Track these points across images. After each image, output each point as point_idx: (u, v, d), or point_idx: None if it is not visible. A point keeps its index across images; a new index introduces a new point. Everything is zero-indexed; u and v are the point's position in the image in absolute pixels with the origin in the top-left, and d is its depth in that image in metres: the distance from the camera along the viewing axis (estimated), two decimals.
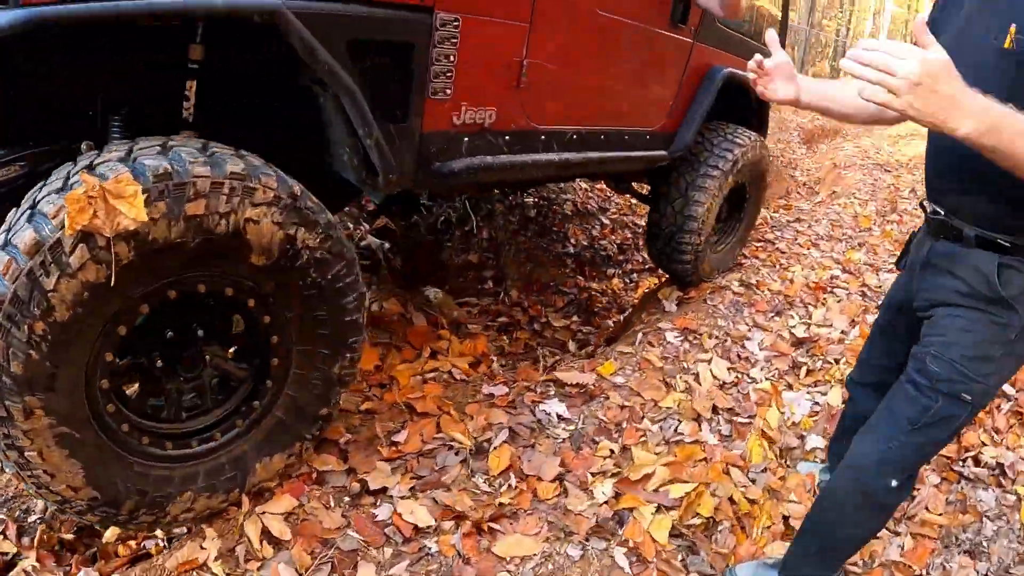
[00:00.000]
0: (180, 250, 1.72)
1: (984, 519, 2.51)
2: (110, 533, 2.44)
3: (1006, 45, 1.42)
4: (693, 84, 3.62)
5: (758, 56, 1.82)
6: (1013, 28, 1.41)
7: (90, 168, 1.65)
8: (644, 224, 4.84)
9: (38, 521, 2.48)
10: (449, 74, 2.30)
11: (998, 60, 1.44)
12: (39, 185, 1.73)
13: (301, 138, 2.38)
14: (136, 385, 2.02)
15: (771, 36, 1.85)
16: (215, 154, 1.77)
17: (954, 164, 1.61)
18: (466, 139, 2.48)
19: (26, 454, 1.68)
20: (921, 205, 1.83)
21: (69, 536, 2.47)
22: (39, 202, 1.64)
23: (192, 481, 2.05)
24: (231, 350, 2.14)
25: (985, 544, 2.42)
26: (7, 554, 2.33)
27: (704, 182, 3.84)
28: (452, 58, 2.28)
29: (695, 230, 3.90)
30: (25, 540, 2.40)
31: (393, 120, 2.20)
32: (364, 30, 2.03)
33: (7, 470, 1.61)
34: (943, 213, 1.68)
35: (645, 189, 4.52)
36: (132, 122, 2.08)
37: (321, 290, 2.03)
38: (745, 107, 4.29)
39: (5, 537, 2.38)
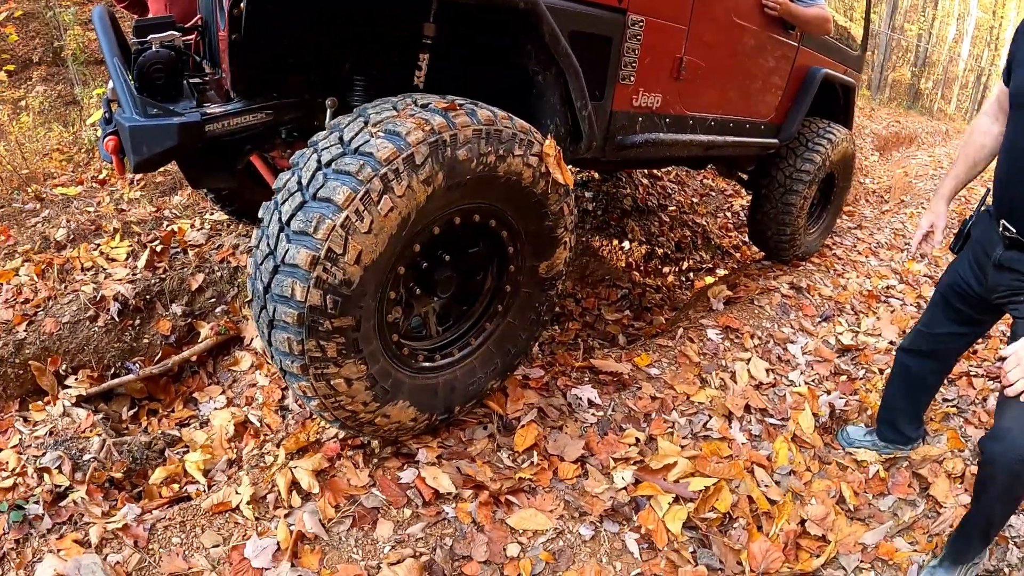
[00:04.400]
0: (541, 218, 2.30)
1: (1010, 544, 2.46)
2: (157, 475, 2.61)
3: None
4: (798, 82, 4.18)
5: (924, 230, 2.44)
6: None
7: (410, 105, 1.96)
8: (746, 209, 5.57)
9: (92, 459, 2.67)
10: (634, 64, 2.75)
11: None
12: (341, 120, 1.96)
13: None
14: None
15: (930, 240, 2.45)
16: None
17: None
18: (640, 119, 2.96)
19: (384, 198, 1.79)
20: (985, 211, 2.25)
21: (119, 475, 2.66)
22: (381, 122, 1.88)
23: (372, 360, 2.05)
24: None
25: (1007, 571, 2.37)
26: (60, 486, 2.51)
27: (803, 171, 4.30)
28: (636, 52, 2.73)
29: (795, 212, 4.39)
30: (78, 475, 2.58)
31: (593, 98, 2.60)
32: (581, 23, 2.44)
33: (340, 187, 1.76)
34: (1016, 232, 2.03)
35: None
36: (373, 84, 2.46)
37: (537, 320, 2.57)
38: (834, 103, 4.74)
39: (60, 471, 2.57)
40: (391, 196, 1.80)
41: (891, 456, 2.86)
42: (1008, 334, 2.30)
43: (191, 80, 2.60)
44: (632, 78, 2.77)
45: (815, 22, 3.77)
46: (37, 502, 2.36)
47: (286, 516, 2.07)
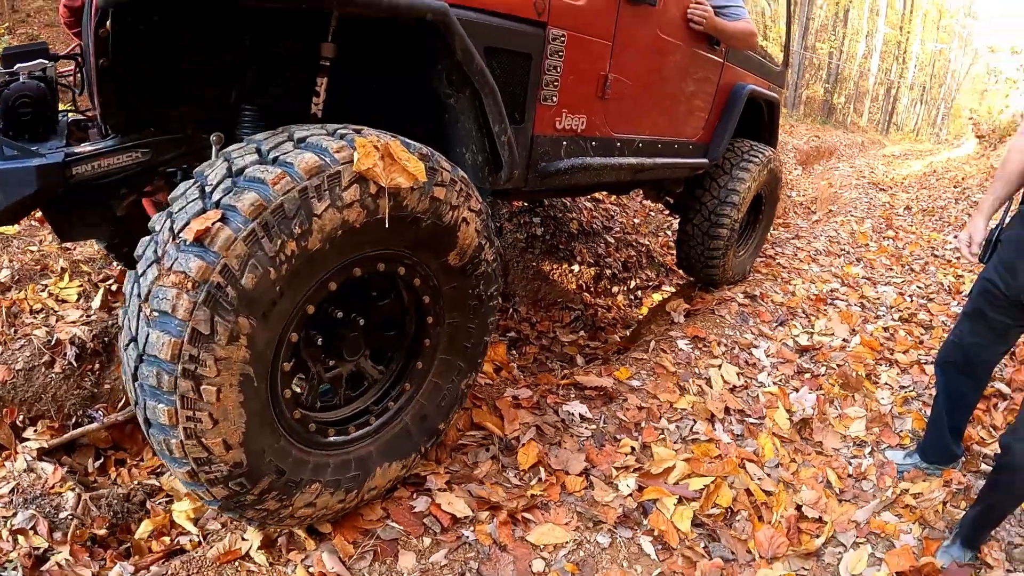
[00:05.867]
0: (415, 227, 1.85)
1: None
2: (143, 528, 2.49)
3: None
4: (724, 99, 4.04)
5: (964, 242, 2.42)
6: None
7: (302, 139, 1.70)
8: (675, 232, 5.17)
9: (70, 517, 2.53)
10: (556, 83, 2.54)
11: None
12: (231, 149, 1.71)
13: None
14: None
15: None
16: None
17: None
18: (564, 142, 2.73)
19: (203, 387, 1.52)
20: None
21: (102, 532, 2.53)
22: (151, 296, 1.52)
23: (321, 472, 1.93)
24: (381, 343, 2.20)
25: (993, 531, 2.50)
26: (39, 548, 2.37)
27: (731, 193, 4.21)
28: (558, 69, 2.51)
29: (724, 236, 4.28)
30: (57, 535, 2.44)
31: (512, 122, 2.38)
32: (498, 39, 2.24)
33: (157, 406, 1.51)
34: None
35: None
36: (263, 114, 2.19)
37: (480, 304, 2.20)
38: (759, 120, 4.69)
39: (36, 532, 2.41)
40: (208, 383, 1.52)
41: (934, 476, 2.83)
42: None
43: (76, 117, 2.38)
44: (555, 98, 2.55)
45: (741, 36, 3.64)
46: (16, 568, 2.21)
47: (304, 559, 2.01)
